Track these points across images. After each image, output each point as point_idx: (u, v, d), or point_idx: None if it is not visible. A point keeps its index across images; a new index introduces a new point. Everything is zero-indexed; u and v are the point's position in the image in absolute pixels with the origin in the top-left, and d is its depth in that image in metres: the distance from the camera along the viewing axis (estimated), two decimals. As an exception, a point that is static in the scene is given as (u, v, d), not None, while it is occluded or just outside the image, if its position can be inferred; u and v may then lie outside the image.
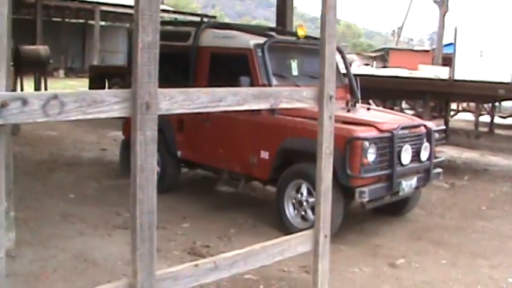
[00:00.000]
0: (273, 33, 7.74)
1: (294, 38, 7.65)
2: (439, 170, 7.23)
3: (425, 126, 6.85)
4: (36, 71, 18.86)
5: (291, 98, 4.05)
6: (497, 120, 18.33)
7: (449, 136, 14.90)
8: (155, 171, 3.19)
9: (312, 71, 7.45)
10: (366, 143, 6.00)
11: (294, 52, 7.45)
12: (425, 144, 6.73)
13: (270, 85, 6.57)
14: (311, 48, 7.44)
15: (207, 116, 7.05)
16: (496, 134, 16.88)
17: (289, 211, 6.51)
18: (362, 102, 13.50)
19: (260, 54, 6.83)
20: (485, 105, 17.50)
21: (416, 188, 6.89)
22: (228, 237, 6.28)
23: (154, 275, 3.26)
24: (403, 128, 6.48)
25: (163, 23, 8.80)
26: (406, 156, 6.42)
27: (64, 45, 34.86)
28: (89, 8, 31.56)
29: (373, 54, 45.80)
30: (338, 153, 5.96)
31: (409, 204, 7.35)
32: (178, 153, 7.71)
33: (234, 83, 6.35)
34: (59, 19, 36.00)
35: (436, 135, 7.10)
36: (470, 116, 18.57)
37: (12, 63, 18.93)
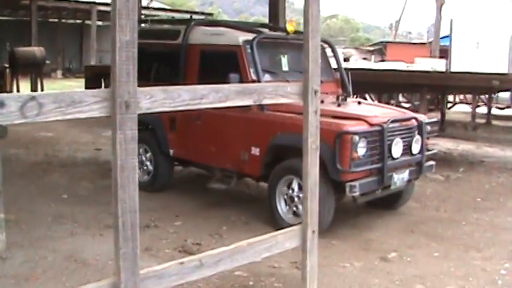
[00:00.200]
0: (263, 30, 7.71)
1: (284, 34, 7.63)
2: (431, 162, 7.20)
3: (416, 119, 6.83)
4: (32, 72, 18.87)
5: (275, 93, 4.04)
6: (495, 111, 18.36)
7: (446, 128, 14.94)
8: (136, 170, 3.19)
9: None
10: (356, 137, 5.98)
11: (284, 48, 7.43)
12: (417, 137, 6.71)
13: (259, 81, 6.56)
14: (301, 44, 7.39)
15: (198, 114, 7.04)
16: (493, 125, 16.91)
17: (281, 207, 6.49)
18: (359, 97, 13.60)
19: (249, 50, 6.81)
20: (482, 97, 17.49)
21: (409, 181, 6.87)
22: (220, 235, 6.27)
23: (139, 274, 3.24)
24: (394, 121, 6.46)
25: (153, 21, 8.80)
26: (397, 149, 6.40)
27: (61, 46, 34.87)
28: (86, 8, 31.55)
29: (371, 48, 45.73)
30: (328, 147, 5.97)
31: (402, 197, 7.33)
32: (171, 151, 7.70)
33: (224, 80, 6.35)
34: (55, 20, 35.98)
35: (428, 127, 7.07)
36: (467, 108, 18.56)
37: (8, 65, 19.01)
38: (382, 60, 36.07)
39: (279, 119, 6.44)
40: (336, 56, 8.10)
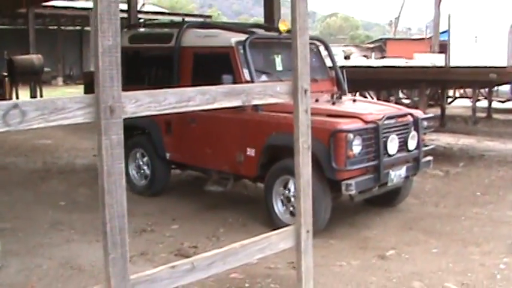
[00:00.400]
0: (256, 30, 7.68)
1: (277, 34, 7.59)
2: (429, 158, 7.17)
3: (412, 115, 6.79)
4: (31, 80, 18.90)
5: (264, 93, 4.00)
6: (496, 104, 18.29)
7: (447, 123, 14.90)
8: (123, 175, 3.16)
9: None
10: (351, 135, 5.94)
11: (278, 47, 7.40)
12: (413, 133, 6.67)
13: (252, 82, 6.53)
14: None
15: (193, 116, 7.02)
16: (494, 119, 16.85)
17: (278, 207, 6.47)
18: (359, 94, 13.57)
19: (242, 51, 6.79)
20: (482, 91, 17.43)
21: (406, 177, 6.83)
22: (217, 237, 6.24)
23: (129, 279, 3.21)
24: (389, 118, 6.42)
25: (146, 25, 8.78)
26: (392, 146, 6.37)
27: (61, 53, 34.91)
28: (85, 15, 31.54)
29: (371, 46, 45.65)
30: (322, 146, 5.94)
31: (400, 194, 7.29)
32: (167, 155, 7.67)
33: (218, 81, 6.33)
34: (55, 27, 36.02)
35: (425, 123, 7.04)
36: (468, 102, 18.49)
37: (6, 74, 19.04)
38: (383, 57, 35.98)
39: (274, 119, 6.40)
40: (330, 54, 8.07)
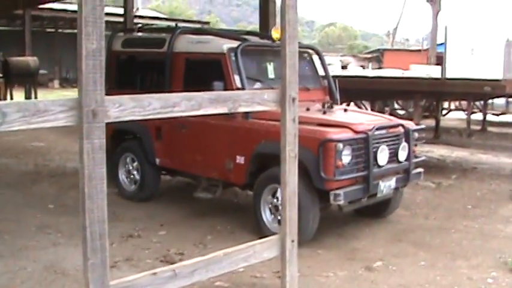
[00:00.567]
0: (249, 37, 7.66)
1: (270, 42, 7.58)
2: (419, 170, 7.14)
3: (403, 126, 6.76)
4: (26, 82, 18.87)
5: (251, 101, 3.99)
6: (491, 117, 18.29)
7: (441, 135, 14.88)
8: (105, 180, 3.14)
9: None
10: (340, 145, 5.91)
11: (271, 55, 7.38)
12: (403, 144, 6.64)
13: (243, 89, 6.50)
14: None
15: (183, 122, 6.99)
16: (488, 132, 16.83)
17: (266, 216, 6.43)
18: (354, 104, 13.56)
19: (234, 58, 6.76)
20: (477, 103, 17.44)
21: (396, 189, 6.80)
22: (204, 244, 6.20)
23: (108, 285, 3.19)
24: (379, 128, 6.39)
25: (140, 29, 8.76)
26: (382, 157, 6.34)
27: (58, 56, 34.85)
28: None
29: (369, 56, 45.77)
30: (312, 155, 5.92)
31: (390, 205, 7.26)
32: (157, 160, 7.64)
33: (209, 88, 6.30)
34: (52, 30, 36.00)
35: (416, 134, 7.01)
36: (463, 115, 18.50)
37: (1, 75, 19.00)
38: (380, 68, 36.09)
39: (263, 127, 6.37)
40: (323, 63, 8.04)
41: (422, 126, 7.67)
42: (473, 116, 17.35)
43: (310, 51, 8.13)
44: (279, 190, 6.24)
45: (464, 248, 6.35)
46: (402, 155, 6.64)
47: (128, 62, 8.25)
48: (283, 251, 4.22)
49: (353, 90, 12.29)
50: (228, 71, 6.77)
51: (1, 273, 5.23)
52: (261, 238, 4.34)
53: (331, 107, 6.98)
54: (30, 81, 18.86)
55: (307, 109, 6.74)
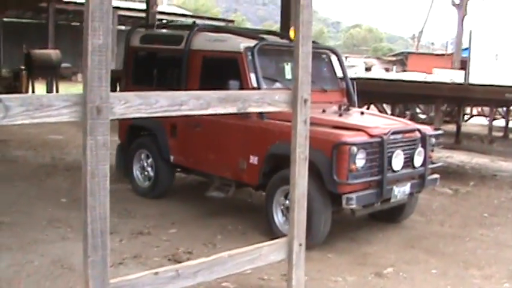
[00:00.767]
0: (267, 36, 7.59)
1: (288, 42, 7.50)
2: (435, 176, 7.02)
3: (419, 131, 6.65)
4: (47, 75, 18.99)
5: (261, 101, 3.93)
6: (513, 125, 17.99)
7: (462, 141, 14.68)
8: (108, 177, 3.12)
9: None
10: (354, 148, 5.83)
11: (288, 55, 7.29)
12: (419, 150, 6.54)
13: (259, 88, 6.45)
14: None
15: (198, 121, 6.95)
16: (510, 139, 16.53)
17: (278, 217, 6.37)
18: (375, 107, 13.42)
19: (250, 57, 6.70)
20: (500, 109, 17.17)
21: (411, 194, 6.69)
22: (214, 244, 6.15)
23: (108, 283, 3.16)
24: (395, 132, 6.29)
25: (157, 26, 8.73)
26: (397, 161, 6.24)
27: (81, 50, 34.96)
28: (108, 12, 31.55)
29: (393, 59, 45.46)
30: (325, 158, 5.84)
31: (405, 211, 7.15)
32: (171, 157, 7.60)
33: (225, 86, 6.27)
34: (77, 23, 36.20)
35: (433, 140, 6.90)
36: (485, 121, 18.24)
37: (24, 67, 19.16)
38: (404, 71, 35.81)
39: (278, 128, 6.30)
40: (341, 65, 7.95)
41: (440, 131, 7.55)
42: (496, 123, 17.09)
43: (329, 52, 8.03)
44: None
45: (478, 257, 6.23)
46: (418, 160, 6.53)
47: (145, 58, 8.22)
48: (290, 254, 4.16)
49: (374, 93, 12.17)
50: (245, 70, 6.71)
51: (8, 266, 5.23)
52: (272, 239, 4.28)
53: (348, 110, 6.90)
54: (52, 73, 18.98)
55: (323, 111, 6.66)
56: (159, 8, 35.32)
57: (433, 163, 6.98)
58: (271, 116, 6.35)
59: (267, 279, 5.22)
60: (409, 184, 6.52)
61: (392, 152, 6.19)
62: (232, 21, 38.43)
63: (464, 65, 25.07)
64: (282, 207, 6.33)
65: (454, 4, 30.44)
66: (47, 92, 18.68)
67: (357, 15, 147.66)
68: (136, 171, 8.08)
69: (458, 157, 12.96)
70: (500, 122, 17.60)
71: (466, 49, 28.44)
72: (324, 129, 6.07)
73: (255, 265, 4.06)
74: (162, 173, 7.79)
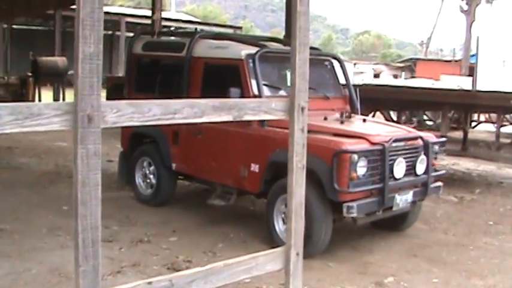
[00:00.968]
0: (270, 44, 7.57)
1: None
2: (438, 183, 6.95)
3: (422, 138, 6.59)
4: (54, 82, 19.08)
5: (258, 109, 3.90)
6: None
7: (469, 148, 14.57)
8: (99, 186, 3.08)
9: (309, 81, 7.26)
10: (355, 156, 5.77)
11: (290, 62, 7.25)
12: (422, 157, 6.48)
13: (260, 96, 6.42)
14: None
15: (200, 128, 6.93)
16: (518, 146, 16.43)
17: (279, 226, 6.32)
18: (381, 114, 13.35)
19: (251, 64, 6.67)
20: (508, 116, 17.06)
21: (413, 202, 6.63)
22: (214, 252, 6.11)
23: (101, 293, 3.11)
24: (397, 140, 6.24)
25: (159, 33, 8.72)
26: (399, 169, 6.18)
27: (90, 57, 35.06)
28: (115, 20, 31.76)
29: (401, 65, 45.37)
30: (325, 166, 5.80)
31: (408, 219, 7.09)
32: (173, 165, 7.57)
33: (226, 93, 6.24)
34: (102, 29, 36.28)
35: (436, 147, 6.84)
36: (493, 127, 18.11)
37: (30, 74, 19.23)
38: (413, 77, 35.72)
39: (279, 135, 6.26)
40: (344, 72, 7.90)
41: (443, 139, 7.47)
42: (503, 129, 16.98)
43: (332, 59, 7.99)
44: (291, 200, 6.13)
45: (481, 266, 6.16)
46: (420, 168, 6.47)
47: (148, 65, 8.20)
48: (287, 264, 4.10)
49: (380, 100, 12.13)
50: (246, 77, 6.68)
51: (6, 274, 5.21)
52: (273, 248, 4.24)
53: (350, 117, 6.85)
54: (58, 80, 19.06)
55: (325, 118, 6.62)
56: (168, 15, 35.53)
57: (436, 171, 6.92)
58: (272, 123, 6.31)
59: (265, 289, 5.17)
60: (411, 192, 6.46)
61: (394, 160, 6.13)
62: (240, 27, 38.51)
63: (472, 72, 25.01)
64: (283, 215, 6.28)
65: (462, 10, 30.39)
66: (54, 99, 18.75)
67: (365, 22, 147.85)
68: (138, 179, 8.06)
69: (464, 164, 12.88)
70: (508, 129, 17.51)
71: (473, 55, 28.40)
72: (325, 137, 6.03)
73: (251, 275, 4.01)
74: (164, 181, 7.76)
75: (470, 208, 8.77)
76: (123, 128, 7.95)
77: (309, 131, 5.88)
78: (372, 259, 6.21)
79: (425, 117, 17.93)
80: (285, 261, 4.10)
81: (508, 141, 16.51)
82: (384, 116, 13.66)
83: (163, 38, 8.62)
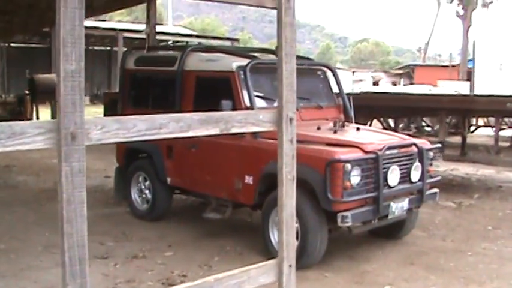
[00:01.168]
0: (261, 55, 7.57)
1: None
2: (435, 190, 6.92)
3: (416, 145, 6.57)
4: (51, 99, 19.08)
5: (245, 122, 3.89)
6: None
7: (468, 152, 14.54)
8: (84, 203, 3.09)
9: (302, 91, 7.24)
10: (348, 166, 5.75)
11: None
12: (417, 164, 6.45)
13: (252, 108, 6.41)
14: (299, 68, 7.23)
15: (193, 142, 6.91)
16: (517, 149, 16.38)
17: (274, 237, 6.28)
18: (378, 122, 13.32)
19: (242, 76, 6.66)
20: (507, 119, 17.04)
21: (409, 210, 6.59)
22: (209, 266, 6.08)
23: (88, 312, 3.09)
24: (390, 148, 6.22)
25: (151, 48, 8.73)
26: (393, 177, 6.16)
27: (89, 73, 35.26)
28: (113, 35, 31.84)
29: (400, 72, 45.41)
30: (319, 176, 5.78)
31: (405, 226, 7.06)
32: (168, 179, 7.55)
33: (219, 106, 6.24)
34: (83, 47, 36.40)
35: (431, 154, 6.81)
36: (491, 131, 18.08)
37: (27, 92, 19.26)
38: (411, 84, 35.74)
39: (272, 147, 6.22)
40: (337, 80, 7.90)
41: (437, 145, 7.44)
42: (502, 133, 16.94)
43: (324, 68, 7.99)
44: (286, 211, 6.11)
45: (479, 272, 6.12)
46: (415, 175, 6.45)
47: (141, 80, 8.19)
48: (280, 277, 4.08)
49: (377, 107, 12.12)
50: (237, 89, 6.67)
51: (0, 294, 5.19)
52: (269, 260, 4.21)
53: (343, 126, 6.83)
54: (55, 98, 19.01)
55: (318, 128, 6.61)
56: (165, 29, 35.54)
57: (432, 177, 6.89)
58: (264, 135, 6.29)
59: (260, 301, 5.12)
60: (407, 200, 6.43)
61: (388, 168, 6.11)
62: (237, 39, 38.51)
63: (470, 76, 25.00)
64: (278, 227, 6.24)
65: (458, 15, 30.44)
66: (52, 116, 18.73)
67: (364, 30, 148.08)
68: (134, 194, 8.04)
69: (463, 169, 12.85)
70: (506, 132, 17.48)
71: (471, 60, 28.39)
72: (318, 147, 6.01)
73: (244, 288, 3.98)
74: (160, 195, 7.74)
75: (468, 213, 8.73)
76: (117, 143, 7.94)
77: (302, 141, 5.92)
78: (368, 268, 6.18)
79: (423, 124, 17.92)
80: (277, 274, 4.08)
81: (507, 144, 16.48)
82: (382, 124, 13.63)
83: (155, 53, 8.62)
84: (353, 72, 46.73)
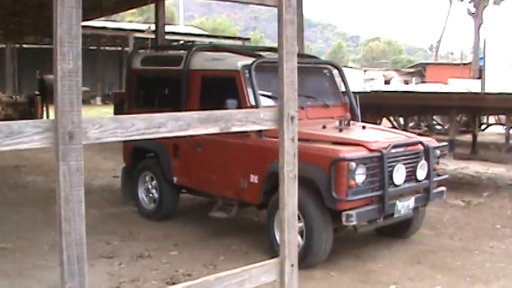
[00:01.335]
0: (266, 53, 7.55)
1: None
2: (442, 188, 6.87)
3: (422, 143, 6.53)
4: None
5: (245, 120, 3.87)
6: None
7: (479, 150, 14.47)
8: (83, 203, 3.08)
9: (308, 90, 7.25)
10: (353, 164, 5.72)
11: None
12: (423, 162, 6.41)
13: (257, 107, 6.39)
14: (306, 67, 7.23)
15: (199, 141, 6.91)
16: (528, 147, 16.27)
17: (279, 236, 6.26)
18: (387, 121, 13.27)
19: (248, 75, 6.65)
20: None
21: (416, 208, 6.55)
22: (214, 265, 6.07)
23: (87, 310, 3.09)
24: (396, 146, 6.18)
25: (159, 48, 8.74)
26: (399, 176, 6.12)
27: (101, 73, 35.43)
28: (124, 36, 31.94)
29: (412, 70, 45.25)
30: (323, 175, 5.76)
31: (412, 225, 7.02)
32: (174, 179, 7.56)
33: (223, 105, 6.24)
34: (94, 47, 36.60)
35: (437, 152, 6.77)
36: (502, 129, 17.97)
37: (38, 93, 19.36)
38: (423, 82, 35.60)
39: (277, 146, 6.16)
40: (343, 79, 7.87)
41: (444, 143, 7.38)
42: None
43: (330, 67, 7.96)
44: (291, 210, 6.09)
45: (486, 271, 6.07)
46: (421, 173, 6.41)
47: (147, 80, 8.21)
48: (282, 276, 4.05)
49: (387, 106, 12.08)
50: (242, 88, 6.66)
51: (4, 293, 5.21)
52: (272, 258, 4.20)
53: (349, 124, 6.80)
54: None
55: (324, 126, 6.59)
56: (176, 29, 35.60)
57: (438, 175, 6.84)
58: (269, 134, 6.27)
59: (264, 301, 5.11)
60: (413, 198, 6.39)
61: (394, 166, 6.07)
62: (248, 39, 38.56)
63: (481, 74, 24.82)
64: (283, 225, 6.23)
65: (470, 13, 30.26)
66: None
67: (376, 28, 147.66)
68: (141, 194, 8.05)
69: (474, 167, 12.77)
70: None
71: (482, 58, 28.19)
72: (322, 145, 5.99)
73: (245, 287, 3.97)
74: (167, 195, 7.75)
75: (477, 212, 8.67)
76: (124, 142, 7.97)
77: (307, 140, 5.91)
78: (374, 267, 6.15)
79: (434, 122, 17.84)
80: (279, 273, 4.05)
81: (519, 142, 16.37)
82: (391, 123, 13.58)
83: (161, 52, 8.63)
84: (365, 71, 46.65)
